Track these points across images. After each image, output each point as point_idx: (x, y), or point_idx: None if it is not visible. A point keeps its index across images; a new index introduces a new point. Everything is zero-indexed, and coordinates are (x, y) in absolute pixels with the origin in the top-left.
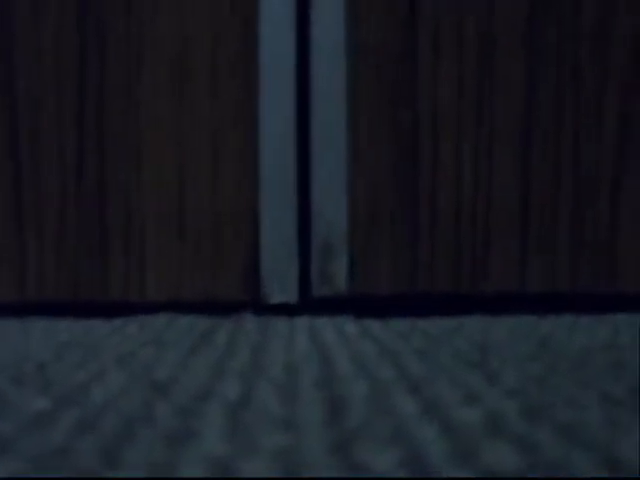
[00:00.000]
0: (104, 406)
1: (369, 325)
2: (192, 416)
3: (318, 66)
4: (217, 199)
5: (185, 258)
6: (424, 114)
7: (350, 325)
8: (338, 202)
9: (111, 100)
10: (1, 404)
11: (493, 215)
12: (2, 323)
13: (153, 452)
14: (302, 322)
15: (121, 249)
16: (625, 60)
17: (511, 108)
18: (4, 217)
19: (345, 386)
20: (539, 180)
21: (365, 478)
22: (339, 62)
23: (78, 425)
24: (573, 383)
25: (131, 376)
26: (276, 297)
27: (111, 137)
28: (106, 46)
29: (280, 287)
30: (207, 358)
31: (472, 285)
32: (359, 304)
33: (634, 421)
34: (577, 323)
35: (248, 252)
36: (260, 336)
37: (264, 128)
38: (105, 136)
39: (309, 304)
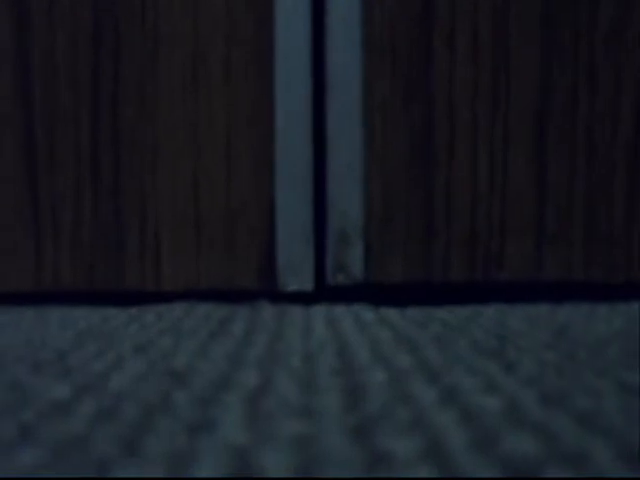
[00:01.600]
0: (123, 395)
1: (386, 313)
2: (211, 405)
3: (334, 60)
4: (233, 189)
5: (201, 248)
6: (439, 108)
7: (367, 313)
8: (353, 191)
9: (126, 97)
10: (21, 392)
11: (508, 206)
12: (19, 312)
13: (172, 441)
14: (319, 310)
15: (136, 246)
16: None
17: (526, 104)
18: (20, 213)
19: (363, 374)
20: (554, 177)
21: (378, 478)
22: (355, 56)
23: (97, 414)
24: (590, 371)
25: (150, 365)
26: (292, 286)
27: (126, 134)
28: (121, 45)
29: (296, 276)
30: (225, 346)
31: (487, 274)
32: (374, 293)
33: None
34: (593, 312)
35: (264, 241)
36: (277, 324)
37: (280, 121)
38: (120, 133)
39: (324, 293)
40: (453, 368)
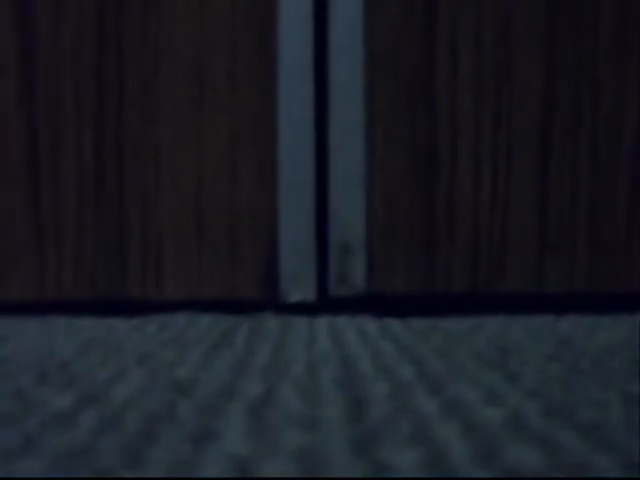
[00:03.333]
0: (126, 405)
1: (388, 324)
2: (214, 415)
3: (336, 70)
4: (235, 200)
5: (203, 258)
6: (442, 118)
7: (370, 324)
8: (355, 202)
9: (130, 102)
10: (24, 402)
11: (511, 218)
12: (23, 321)
13: (175, 451)
14: (322, 321)
15: (139, 254)
16: None
17: (529, 112)
18: (23, 219)
19: (366, 385)
20: (557, 184)
21: (377, 478)
22: (357, 65)
23: (100, 424)
24: (593, 383)
25: (153, 375)
26: (294, 296)
27: (130, 139)
28: (125, 48)
29: (298, 286)
30: (228, 357)
31: (489, 285)
32: (376, 304)
33: None
34: (596, 323)
35: (266, 252)
36: (280, 335)
37: (282, 130)
38: (124, 137)
39: (327, 304)
40: (456, 380)
